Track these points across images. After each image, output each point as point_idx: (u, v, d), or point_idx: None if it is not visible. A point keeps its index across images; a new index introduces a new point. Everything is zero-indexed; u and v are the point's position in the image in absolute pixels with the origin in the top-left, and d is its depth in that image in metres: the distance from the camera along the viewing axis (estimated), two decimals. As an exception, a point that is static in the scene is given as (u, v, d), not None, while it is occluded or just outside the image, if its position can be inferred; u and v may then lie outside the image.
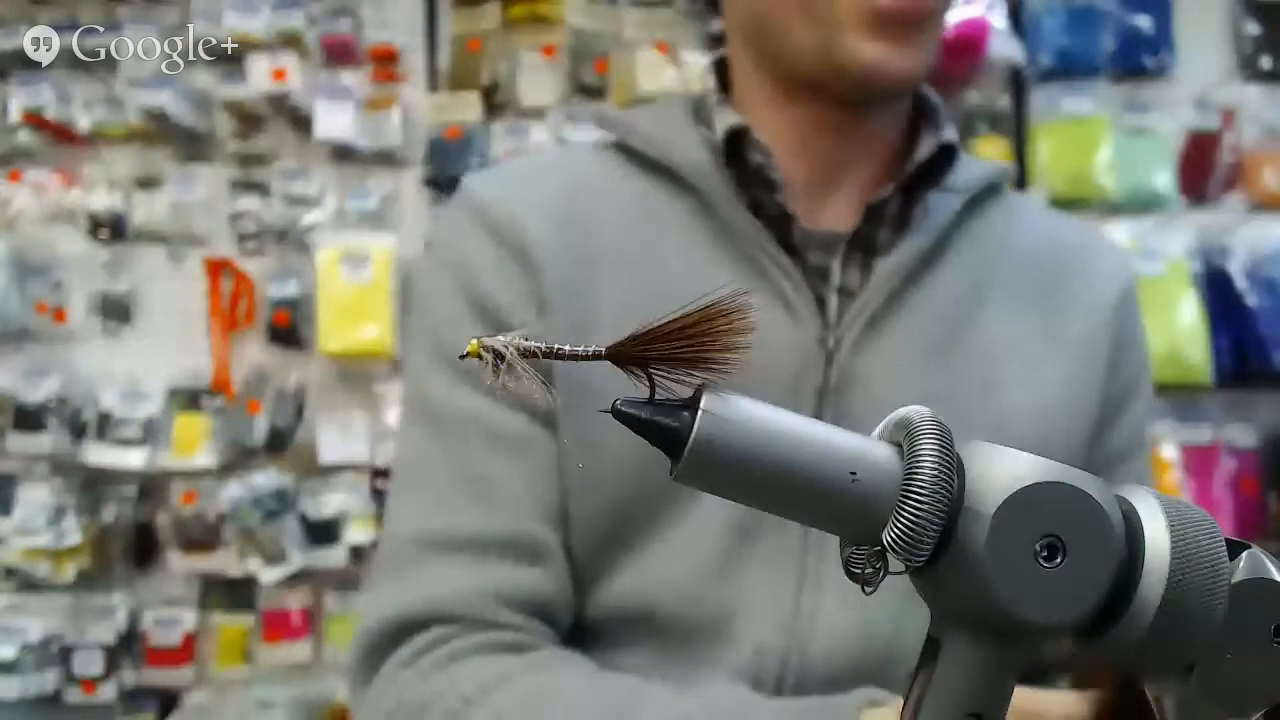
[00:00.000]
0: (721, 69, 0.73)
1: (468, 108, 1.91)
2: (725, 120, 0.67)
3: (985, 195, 0.72)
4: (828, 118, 0.68)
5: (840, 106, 0.67)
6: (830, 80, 0.64)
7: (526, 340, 0.29)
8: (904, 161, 0.69)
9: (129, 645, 1.93)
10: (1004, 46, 1.80)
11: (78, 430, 1.93)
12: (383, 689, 0.60)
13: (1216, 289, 1.83)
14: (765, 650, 0.61)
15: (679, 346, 0.28)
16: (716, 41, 0.75)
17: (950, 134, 0.69)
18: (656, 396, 0.29)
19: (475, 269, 0.66)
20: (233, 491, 1.85)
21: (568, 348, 0.29)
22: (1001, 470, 0.28)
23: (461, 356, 0.29)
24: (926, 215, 0.68)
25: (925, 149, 0.68)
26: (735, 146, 0.67)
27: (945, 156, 0.69)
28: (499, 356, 0.29)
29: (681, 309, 0.29)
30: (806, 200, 0.68)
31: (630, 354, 0.29)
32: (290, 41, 1.92)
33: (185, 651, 1.93)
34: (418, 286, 0.72)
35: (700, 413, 0.27)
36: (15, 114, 1.93)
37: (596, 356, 0.29)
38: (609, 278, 0.66)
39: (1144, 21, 1.87)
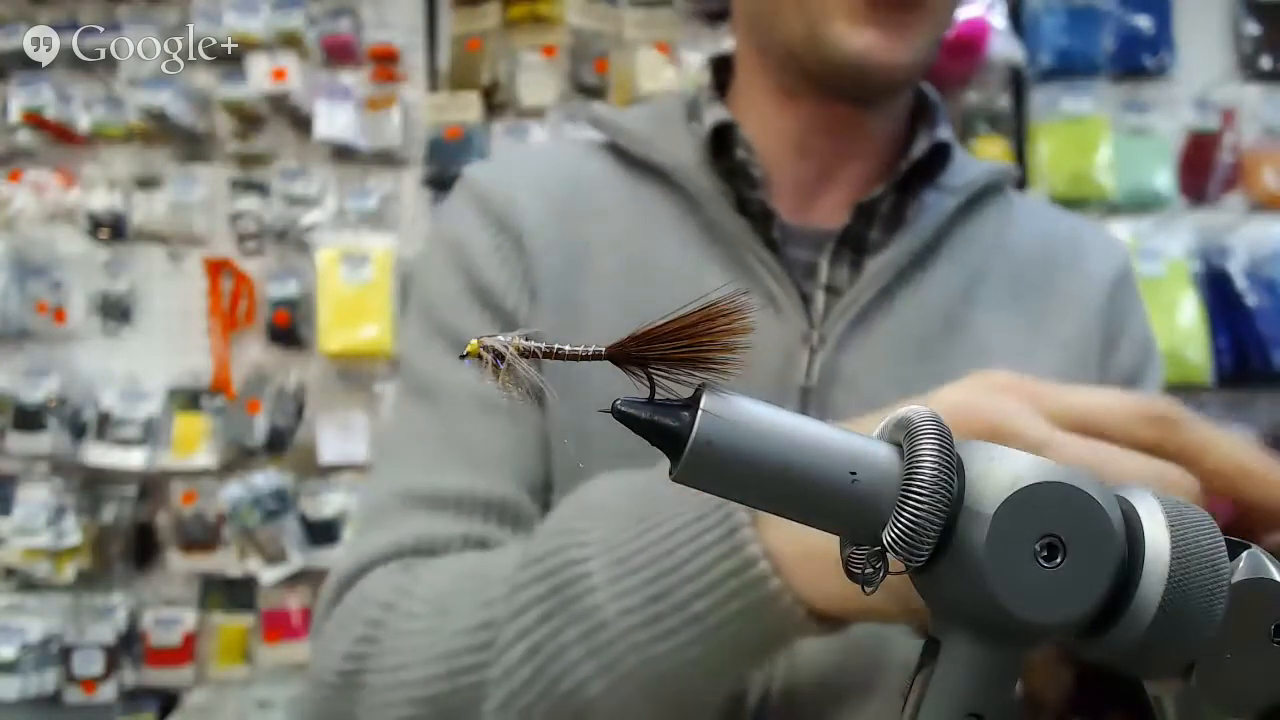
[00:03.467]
0: (723, 67, 0.73)
1: (468, 108, 1.91)
2: (713, 116, 0.67)
3: (983, 195, 0.71)
4: (826, 115, 0.67)
5: (836, 103, 0.66)
6: (820, 72, 0.63)
7: (526, 340, 0.29)
8: (899, 160, 0.68)
9: (129, 645, 1.94)
10: (1004, 46, 1.80)
11: (78, 430, 1.93)
12: (338, 613, 0.59)
13: (1216, 289, 1.83)
14: None
15: (679, 346, 0.28)
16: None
17: (945, 133, 0.69)
18: (656, 396, 0.29)
19: (473, 252, 0.67)
20: (233, 491, 1.86)
21: (568, 348, 0.29)
22: (1001, 470, 0.28)
23: (462, 356, 0.29)
24: (920, 215, 0.67)
25: (919, 148, 0.67)
26: (725, 143, 0.67)
27: (941, 155, 0.69)
28: (498, 356, 0.29)
29: (681, 309, 0.29)
30: (798, 197, 0.68)
31: (630, 354, 0.29)
32: (290, 41, 1.92)
33: (185, 651, 1.93)
34: (419, 267, 0.73)
35: (700, 413, 0.27)
36: (15, 114, 1.94)
37: (597, 356, 0.29)
38: (599, 271, 0.66)
39: (1144, 21, 1.87)
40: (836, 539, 0.41)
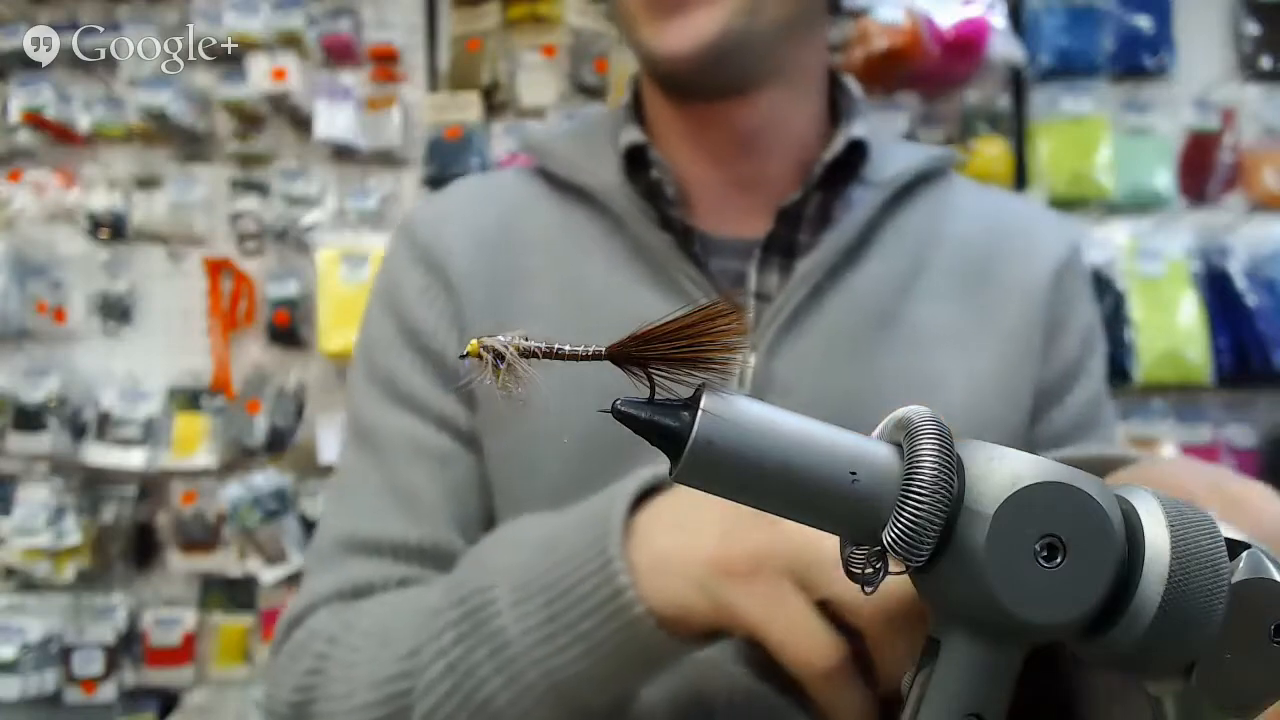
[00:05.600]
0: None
1: (468, 108, 1.91)
2: (627, 137, 0.68)
3: (917, 185, 0.71)
4: (690, 116, 0.68)
5: (684, 103, 0.67)
6: (650, 75, 0.66)
7: (526, 340, 0.29)
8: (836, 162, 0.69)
9: (129, 645, 1.94)
10: (1004, 46, 1.80)
11: (78, 430, 1.93)
12: (285, 652, 0.63)
13: (1216, 289, 1.83)
14: (711, 660, 0.59)
15: (678, 346, 0.28)
16: None
17: (861, 129, 0.68)
18: (656, 396, 0.29)
19: (404, 294, 0.70)
20: (233, 491, 1.85)
21: (568, 347, 0.30)
22: (1001, 470, 0.28)
23: (462, 356, 0.29)
24: (847, 212, 0.67)
25: (834, 148, 0.67)
26: (644, 161, 0.68)
27: (861, 151, 0.68)
28: (499, 356, 0.29)
29: (681, 309, 0.29)
30: (720, 209, 0.69)
31: (630, 354, 0.29)
32: (290, 41, 1.92)
33: (185, 651, 1.93)
34: (365, 311, 0.76)
35: (700, 413, 0.27)
36: (15, 114, 1.93)
37: (597, 356, 0.29)
38: (532, 296, 0.67)
39: (1144, 21, 1.87)
40: (686, 551, 0.47)
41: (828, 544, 0.41)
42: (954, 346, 0.66)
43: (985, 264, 0.70)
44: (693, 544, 0.46)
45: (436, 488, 0.66)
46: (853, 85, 0.73)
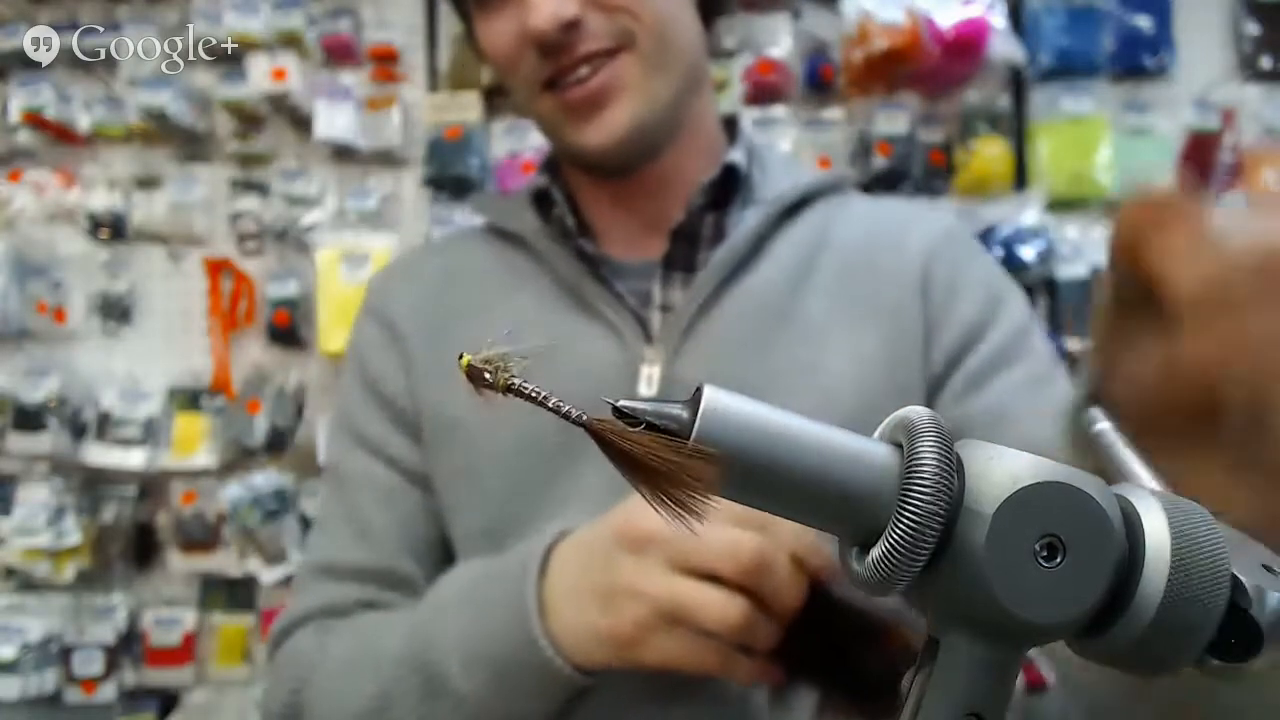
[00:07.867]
0: None
1: (468, 108, 1.91)
2: (535, 183, 0.80)
3: (810, 201, 0.79)
4: (605, 184, 0.78)
5: (606, 178, 0.77)
6: (575, 162, 0.77)
7: (514, 379, 0.29)
8: (714, 186, 0.77)
9: (129, 645, 1.94)
10: (1004, 46, 1.80)
11: (78, 430, 1.93)
12: (274, 667, 0.75)
13: (1216, 289, 1.83)
14: None
15: (652, 457, 0.27)
16: None
17: (737, 155, 0.78)
18: (654, 397, 0.29)
19: (363, 349, 0.82)
20: (233, 491, 1.85)
21: (551, 401, 0.28)
22: (1001, 470, 0.28)
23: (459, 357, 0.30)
24: (737, 228, 0.76)
25: (709, 174, 0.76)
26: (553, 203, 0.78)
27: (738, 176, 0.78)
28: (486, 380, 0.29)
29: (666, 443, 0.27)
30: (625, 237, 0.79)
31: (605, 436, 0.27)
32: (290, 41, 1.92)
33: (185, 651, 1.93)
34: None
35: (700, 413, 0.27)
36: (15, 114, 1.93)
37: (578, 422, 0.28)
38: (469, 326, 0.77)
39: (1144, 21, 1.87)
40: (586, 624, 0.58)
41: (685, 592, 0.55)
42: (839, 332, 0.73)
43: (866, 259, 0.77)
44: (589, 619, 0.59)
45: (387, 519, 0.76)
46: (742, 116, 0.83)
